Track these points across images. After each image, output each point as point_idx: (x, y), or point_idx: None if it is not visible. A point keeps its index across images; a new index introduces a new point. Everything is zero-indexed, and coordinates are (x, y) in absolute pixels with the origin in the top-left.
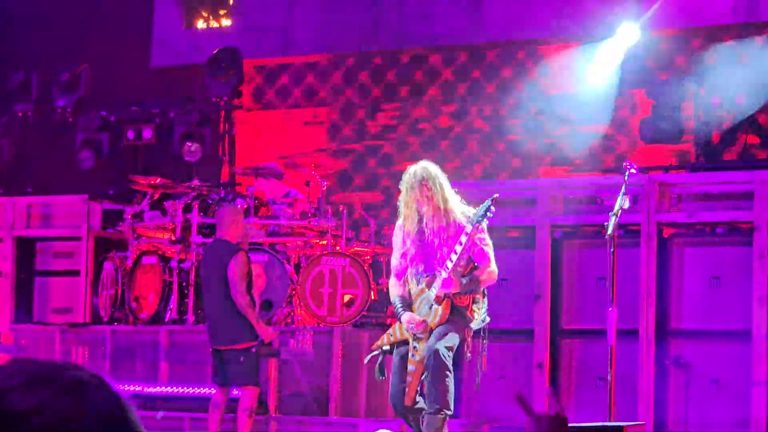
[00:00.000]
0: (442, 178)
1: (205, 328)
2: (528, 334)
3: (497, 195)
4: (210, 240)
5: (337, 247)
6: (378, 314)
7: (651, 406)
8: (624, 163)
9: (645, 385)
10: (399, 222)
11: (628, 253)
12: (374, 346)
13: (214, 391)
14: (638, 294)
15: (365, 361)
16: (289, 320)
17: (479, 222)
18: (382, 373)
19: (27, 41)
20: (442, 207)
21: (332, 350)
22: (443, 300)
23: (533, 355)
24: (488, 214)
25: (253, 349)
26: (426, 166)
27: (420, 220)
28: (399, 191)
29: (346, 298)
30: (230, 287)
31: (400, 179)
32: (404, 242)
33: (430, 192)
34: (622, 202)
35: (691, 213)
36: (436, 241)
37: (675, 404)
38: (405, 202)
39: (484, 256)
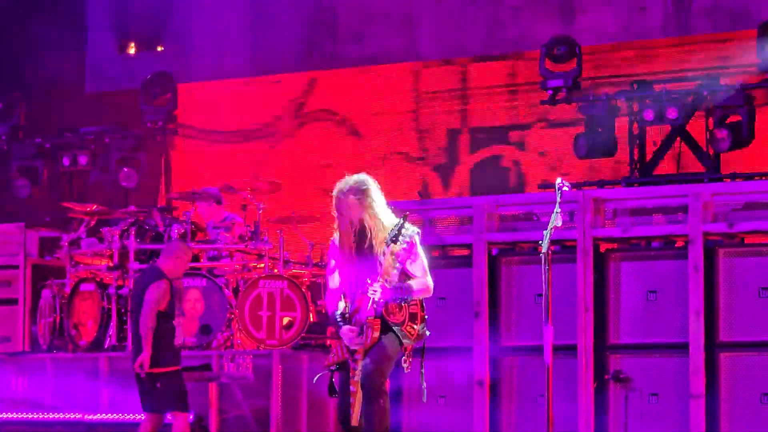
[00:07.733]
0: (377, 192)
1: None
2: (467, 351)
3: (407, 213)
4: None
5: (275, 270)
6: (317, 336)
7: (591, 422)
8: (557, 180)
9: (584, 400)
10: (334, 236)
11: (564, 268)
12: (324, 366)
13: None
14: (576, 309)
15: (314, 380)
16: (228, 344)
17: (394, 242)
18: (333, 391)
19: None
20: (374, 222)
21: (272, 373)
22: (374, 320)
23: (473, 372)
24: (402, 232)
25: (175, 374)
26: (362, 177)
27: (354, 233)
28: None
29: (285, 320)
30: (141, 307)
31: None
32: (339, 258)
33: (364, 203)
34: (555, 219)
35: (626, 228)
36: (371, 256)
37: (615, 419)
38: (339, 211)
39: (416, 268)
